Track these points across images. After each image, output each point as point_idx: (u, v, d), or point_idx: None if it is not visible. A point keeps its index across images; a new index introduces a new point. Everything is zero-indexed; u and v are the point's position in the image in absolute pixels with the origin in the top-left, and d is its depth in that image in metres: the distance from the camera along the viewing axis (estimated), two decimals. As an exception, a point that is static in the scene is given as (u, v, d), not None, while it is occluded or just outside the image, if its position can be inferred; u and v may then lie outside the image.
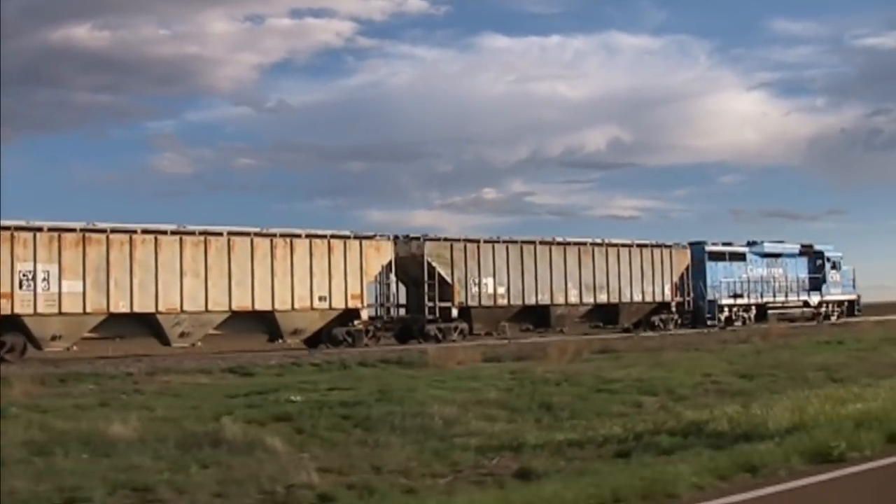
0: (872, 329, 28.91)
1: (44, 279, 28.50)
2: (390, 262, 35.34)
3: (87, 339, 30.00)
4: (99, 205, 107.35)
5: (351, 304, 34.02)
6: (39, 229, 28.67)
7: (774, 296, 46.77)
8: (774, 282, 46.86)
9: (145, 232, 30.43)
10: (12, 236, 27.91)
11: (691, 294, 43.45)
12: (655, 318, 42.15)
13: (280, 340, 33.16)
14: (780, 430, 8.42)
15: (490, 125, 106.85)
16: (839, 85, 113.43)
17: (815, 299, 48.61)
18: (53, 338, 28.81)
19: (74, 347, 29.48)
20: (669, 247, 43.14)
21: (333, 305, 33.65)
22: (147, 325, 30.76)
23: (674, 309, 42.98)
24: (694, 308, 43.50)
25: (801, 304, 48.08)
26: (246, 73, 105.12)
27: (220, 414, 10.40)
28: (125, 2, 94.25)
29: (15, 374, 18.01)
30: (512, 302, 37.80)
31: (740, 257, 45.87)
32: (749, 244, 47.16)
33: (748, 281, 45.57)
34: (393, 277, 36.14)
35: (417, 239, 36.27)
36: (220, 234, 31.77)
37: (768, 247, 47.43)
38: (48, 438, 9.22)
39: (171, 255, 30.60)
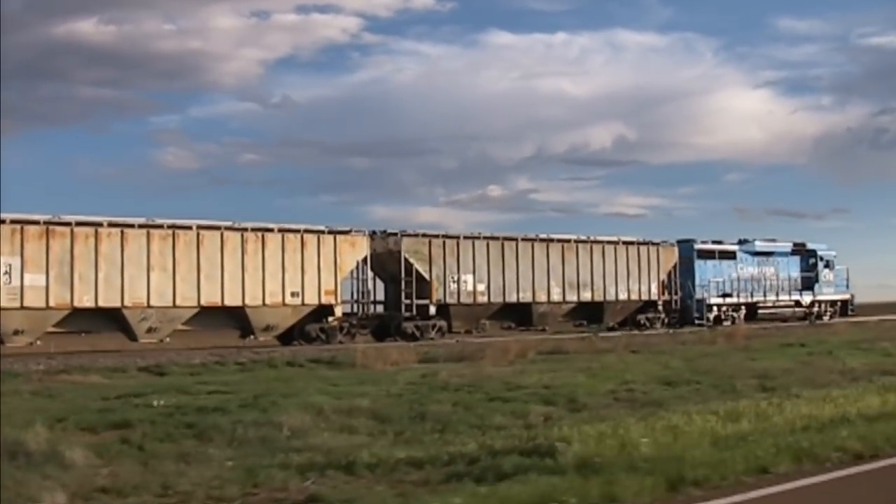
0: (846, 330, 27.66)
1: (6, 272, 27.60)
2: (366, 258, 34.34)
3: (52, 333, 29.25)
4: (102, 199, 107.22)
5: (324, 301, 33.02)
6: (2, 221, 27.78)
7: (765, 295, 45.35)
8: (765, 281, 45.42)
9: (111, 225, 29.51)
10: (-28, 228, 27.13)
11: (679, 293, 42.20)
12: (642, 317, 40.87)
13: (252, 337, 32.22)
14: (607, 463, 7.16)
15: (495, 122, 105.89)
16: (845, 83, 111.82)
17: (807, 299, 47.09)
18: (16, 332, 27.95)
19: (38, 342, 28.71)
20: (656, 244, 41.84)
21: (306, 301, 32.66)
22: (113, 320, 29.85)
23: (660, 308, 41.72)
24: (682, 307, 42.23)
25: (792, 303, 46.61)
26: (251, 68, 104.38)
27: (64, 419, 9.46)
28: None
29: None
30: (492, 299, 36.67)
31: (730, 256, 44.51)
32: (740, 242, 45.79)
33: (738, 280, 44.20)
34: (369, 273, 35.16)
35: (395, 234, 35.19)
36: (190, 227, 30.83)
37: (759, 245, 46.02)
38: None
39: (138, 249, 29.68)
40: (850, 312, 48.39)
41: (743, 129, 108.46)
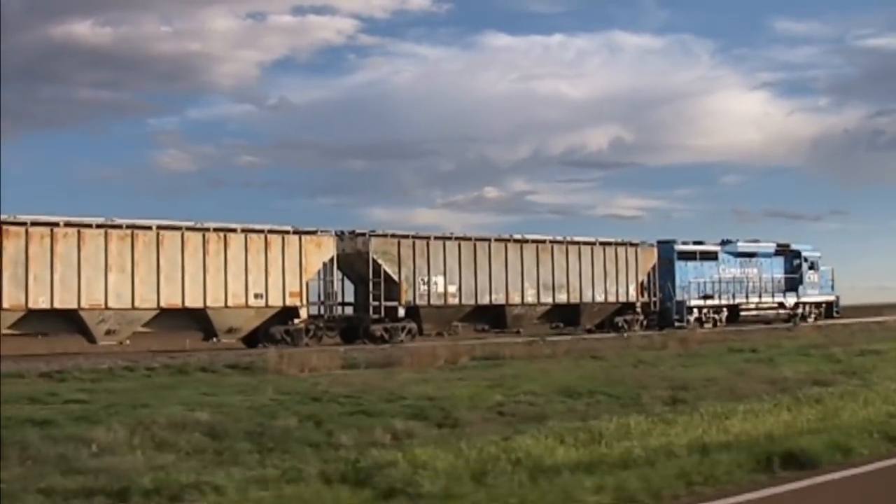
0: (809, 334, 26.51)
1: (-42, 273, 26.96)
2: (332, 259, 33.42)
3: (7, 336, 28.42)
4: (100, 201, 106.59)
5: (289, 302, 32.10)
6: (-44, 222, 27.09)
7: (747, 297, 44.08)
8: (748, 282, 44.14)
9: (68, 225, 28.64)
10: (-76, 228, 26.37)
11: (658, 294, 41.11)
12: (620, 320, 39.76)
13: (215, 339, 31.36)
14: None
15: (492, 124, 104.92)
16: (842, 85, 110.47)
17: (791, 300, 45.74)
18: (-31, 334, 27.27)
19: (-6, 344, 27.90)
20: (635, 245, 40.71)
21: (270, 303, 31.74)
22: (71, 322, 29.02)
23: (639, 310, 40.63)
24: (661, 309, 41.10)
25: (776, 305, 45.30)
26: (248, 70, 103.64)
27: None
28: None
29: None
30: (464, 301, 35.65)
31: (712, 257, 43.31)
32: (722, 243, 44.56)
33: (720, 281, 42.98)
34: (337, 275, 34.22)
35: (363, 235, 34.19)
36: (150, 227, 30.00)
37: (742, 246, 44.78)
38: None
39: (96, 250, 28.82)
40: (835, 314, 47.14)
41: (740, 130, 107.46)
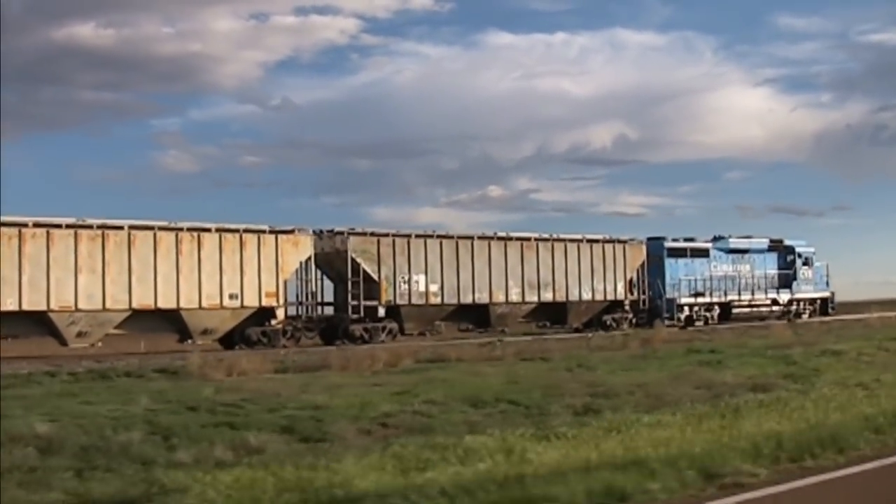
0: (780, 333, 25.48)
1: (-75, 274, 26.44)
2: (310, 258, 32.68)
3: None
4: (103, 203, 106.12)
5: (266, 303, 31.35)
6: (-78, 222, 26.55)
7: (740, 294, 42.92)
8: (740, 279, 42.99)
9: (36, 226, 27.96)
10: None
11: (647, 292, 40.12)
12: (608, 318, 38.73)
13: (190, 341, 30.63)
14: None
15: (495, 122, 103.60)
16: (845, 81, 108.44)
17: (784, 297, 44.48)
18: (-65, 337, 26.75)
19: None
20: (623, 242, 39.68)
21: (246, 304, 31.00)
22: (41, 324, 28.38)
23: (628, 308, 39.67)
24: (651, 307, 40.09)
25: (769, 302, 44.10)
26: (250, 70, 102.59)
27: None
28: (129, 0, 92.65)
29: None
30: (446, 301, 34.79)
31: (703, 253, 42.18)
32: (714, 239, 43.44)
33: (711, 278, 41.88)
34: (315, 274, 33.47)
35: (342, 233, 33.35)
36: (121, 227, 29.34)
37: (734, 242, 43.61)
38: None
39: (65, 250, 28.16)
40: (829, 311, 45.91)
41: (743, 127, 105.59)
